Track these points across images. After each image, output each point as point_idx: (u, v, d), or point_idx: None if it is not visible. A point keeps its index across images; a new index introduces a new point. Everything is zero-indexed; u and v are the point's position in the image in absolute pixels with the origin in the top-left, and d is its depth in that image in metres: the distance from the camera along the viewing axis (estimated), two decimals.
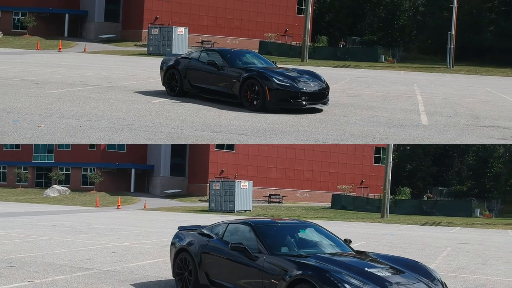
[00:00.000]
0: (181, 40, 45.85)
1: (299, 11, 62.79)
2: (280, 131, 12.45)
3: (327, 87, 14.82)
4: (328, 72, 32.81)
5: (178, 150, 53.03)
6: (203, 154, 50.72)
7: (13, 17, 55.54)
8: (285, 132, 12.47)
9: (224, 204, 39.43)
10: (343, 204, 47.49)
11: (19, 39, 51.32)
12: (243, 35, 60.22)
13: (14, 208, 33.63)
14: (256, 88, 13.58)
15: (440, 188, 57.33)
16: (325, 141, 12.40)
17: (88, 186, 51.95)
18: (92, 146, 51.59)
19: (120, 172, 53.41)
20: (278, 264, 7.40)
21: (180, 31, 45.73)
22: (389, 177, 38.69)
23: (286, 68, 15.14)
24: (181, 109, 14.23)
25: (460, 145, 57.13)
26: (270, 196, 51.05)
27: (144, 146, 52.40)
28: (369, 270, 7.05)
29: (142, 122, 12.58)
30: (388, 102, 17.41)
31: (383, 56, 49.75)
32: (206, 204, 41.95)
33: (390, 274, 7.03)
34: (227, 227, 8.76)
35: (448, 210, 44.39)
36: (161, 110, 14.14)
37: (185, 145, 52.86)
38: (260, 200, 50.18)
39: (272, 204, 49.37)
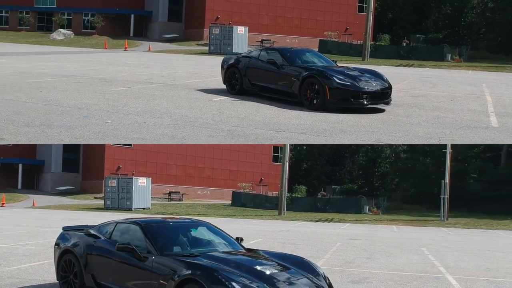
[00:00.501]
0: (241, 39, 46.29)
1: (360, 9, 61.69)
2: (340, 131, 12.27)
3: (390, 87, 14.37)
4: (390, 71, 31.95)
5: (70, 144, 49.14)
6: (98, 149, 47.67)
7: (83, 18, 58.13)
8: (345, 132, 12.24)
9: (121, 201, 37.81)
10: (243, 202, 47.65)
11: (88, 39, 53.56)
12: (302, 34, 59.96)
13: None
14: (316, 87, 13.39)
15: (333, 186, 58.66)
16: (388, 141, 12.13)
17: (89, 31, 53.35)
18: None
19: (6, 167, 49.88)
20: (167, 264, 7.28)
21: (240, 30, 46.17)
22: (286, 175, 39.57)
23: (347, 67, 14.87)
24: (242, 107, 14.27)
25: (352, 145, 59.14)
26: (170, 193, 49.76)
27: None
28: (258, 268, 7.12)
29: (203, 119, 12.73)
30: (454, 103, 16.68)
31: (449, 55, 47.91)
32: (102, 202, 40.03)
33: (277, 271, 7.16)
34: (115, 226, 8.48)
35: (340, 207, 45.56)
36: (222, 108, 14.29)
37: None
38: (160, 198, 48.85)
39: (172, 202, 48.04)
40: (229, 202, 48.75)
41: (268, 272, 7.07)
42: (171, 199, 49.29)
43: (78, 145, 49.94)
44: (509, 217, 41.91)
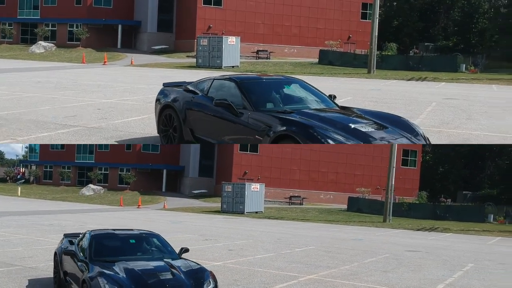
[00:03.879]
0: (233, 51, 40.09)
1: (363, 16, 55.37)
2: None
3: (428, 144, 8.09)
4: (403, 89, 25.82)
5: (164, 3, 50.56)
6: (191, 8, 48.51)
7: (68, 29, 52.37)
8: None
9: (211, 60, 38.68)
10: (330, 60, 45.05)
11: (70, 51, 47.79)
12: (302, 43, 53.67)
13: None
14: None
15: (426, 44, 52.95)
16: None
17: (74, 42, 49.36)
18: None
19: (107, 28, 51.03)
20: (262, 120, 7.28)
21: (231, 41, 39.95)
22: (376, 32, 37.04)
23: (351, 112, 8.11)
24: None
25: (446, 0, 56.29)
26: (257, 52, 48.26)
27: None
28: (353, 125, 6.99)
29: None
30: None
31: (464, 65, 41.58)
32: (194, 60, 40.12)
33: (373, 130, 6.97)
34: (212, 83, 8.66)
35: (434, 65, 41.14)
36: None
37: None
38: (248, 56, 47.34)
39: (259, 60, 46.36)
40: (316, 60, 46.13)
41: (363, 130, 6.86)
42: (259, 58, 47.85)
43: (172, 4, 50.64)
44: None
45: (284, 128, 6.84)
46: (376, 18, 37.94)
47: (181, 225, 20.93)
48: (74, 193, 45.74)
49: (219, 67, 38.84)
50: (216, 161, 46.90)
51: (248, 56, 49.23)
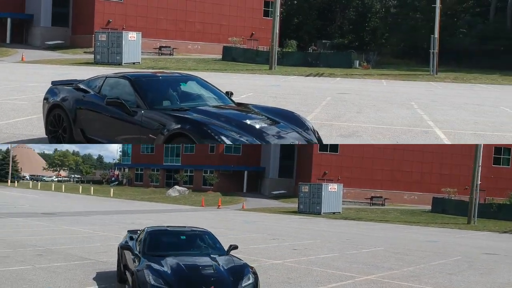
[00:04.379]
0: (133, 47, 38.87)
1: (266, 13, 56.50)
2: None
3: (320, 143, 8.16)
4: (301, 84, 26.74)
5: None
6: (88, 2, 46.86)
7: None
8: None
9: (111, 56, 37.22)
10: (233, 56, 46.01)
11: None
12: (206, 40, 53.52)
13: None
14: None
15: (324, 41, 56.70)
16: None
17: None
18: None
19: None
20: (156, 119, 7.14)
21: (132, 37, 38.73)
22: (277, 30, 38.42)
23: (247, 109, 8.12)
24: None
25: (342, 0, 60.03)
26: (160, 48, 48.05)
27: None
28: (247, 122, 7.06)
29: None
30: (400, 141, 11.40)
31: (357, 62, 44.05)
32: (92, 57, 38.43)
33: (266, 125, 7.11)
34: (104, 81, 8.37)
35: (331, 62, 44.10)
36: None
37: None
38: (150, 52, 46.87)
39: (162, 56, 46.35)
40: (220, 56, 46.14)
41: (257, 126, 6.99)
42: (162, 54, 46.82)
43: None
44: (497, 71, 39.60)
45: (179, 126, 6.68)
46: (277, 16, 38.90)
47: (253, 224, 20.67)
48: (161, 194, 45.84)
49: (119, 64, 37.50)
50: (296, 161, 45.44)
51: (151, 52, 48.09)
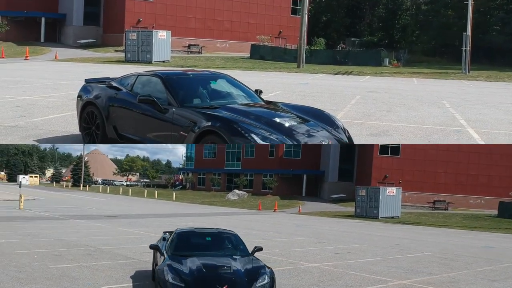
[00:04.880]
0: (163, 45, 39.36)
1: (294, 12, 56.33)
2: None
3: (350, 142, 7.85)
4: (330, 82, 26.57)
5: None
6: (118, 1, 47.71)
7: None
8: None
9: (141, 54, 37.81)
10: (261, 54, 46.07)
11: None
12: (234, 38, 53.76)
13: None
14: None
15: (352, 39, 56.03)
16: None
17: None
18: None
19: (29, 20, 49.05)
20: (187, 116, 7.24)
21: (162, 35, 39.21)
22: (305, 28, 38.39)
23: (276, 107, 8.06)
24: None
25: None
26: (189, 46, 48.75)
27: None
28: (277, 120, 7.15)
29: None
30: (432, 140, 11.23)
31: (387, 60, 43.47)
32: (123, 55, 38.89)
33: (296, 124, 7.19)
34: (136, 79, 8.54)
35: (360, 60, 43.61)
36: None
37: None
38: (179, 51, 47.67)
39: (191, 55, 46.85)
40: (248, 55, 46.37)
41: (287, 124, 7.04)
42: (191, 52, 47.59)
43: None
44: None
45: (209, 123, 6.71)
46: (305, 14, 38.72)
47: (304, 228, 20.40)
48: (221, 198, 46.16)
49: (149, 62, 38.05)
50: (356, 164, 44.60)
51: (180, 51, 48.57)
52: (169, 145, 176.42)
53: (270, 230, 18.78)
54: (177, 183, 63.29)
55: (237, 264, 6.46)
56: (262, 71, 35.38)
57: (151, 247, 7.46)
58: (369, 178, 40.69)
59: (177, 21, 50.14)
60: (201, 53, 48.99)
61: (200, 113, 7.03)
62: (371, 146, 39.26)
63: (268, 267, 6.40)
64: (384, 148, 39.87)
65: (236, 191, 46.55)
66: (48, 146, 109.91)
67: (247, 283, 6.08)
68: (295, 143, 6.88)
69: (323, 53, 46.12)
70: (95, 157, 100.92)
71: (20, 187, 29.76)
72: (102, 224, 18.52)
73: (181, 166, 69.54)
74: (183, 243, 7.13)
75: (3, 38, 47.35)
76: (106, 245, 12.10)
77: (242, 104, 7.62)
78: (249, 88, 8.66)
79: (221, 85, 8.40)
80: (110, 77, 9.62)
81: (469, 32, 35.12)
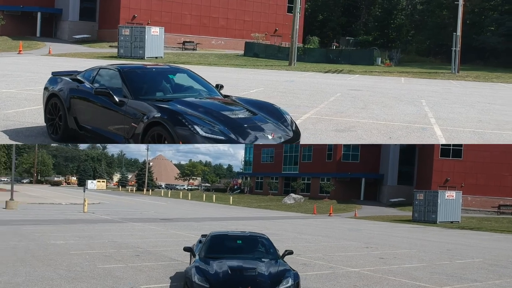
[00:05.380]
0: (156, 41, 39.55)
1: (290, 9, 56.40)
2: None
3: (296, 136, 7.76)
4: (316, 80, 26.80)
5: None
6: None
7: None
8: None
9: (134, 50, 38.19)
10: (255, 52, 46.13)
11: None
12: (229, 35, 53.95)
13: None
14: (166, 141, 7.38)
15: (347, 38, 56.05)
16: None
17: None
18: None
19: (26, 15, 49.12)
20: (139, 108, 7.32)
21: (155, 31, 39.41)
22: (297, 26, 38.36)
23: (229, 101, 8.24)
24: None
25: None
26: (184, 43, 48.83)
27: None
28: (225, 113, 7.25)
29: None
30: (392, 141, 11.39)
31: (379, 59, 43.67)
32: (116, 50, 39.33)
33: (243, 117, 7.30)
34: (98, 72, 8.71)
35: (353, 59, 43.69)
36: None
37: None
38: (174, 47, 47.79)
39: (186, 51, 46.93)
40: (242, 52, 46.35)
41: (233, 117, 7.21)
42: (185, 49, 47.81)
43: None
44: None
45: (159, 115, 6.84)
46: (297, 12, 38.89)
47: (356, 232, 20.13)
48: (277, 201, 46.17)
49: (141, 58, 38.24)
50: (417, 168, 43.20)
51: (174, 47, 48.79)
52: (231, 150, 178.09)
53: (320, 234, 18.75)
54: (235, 187, 63.63)
55: (263, 267, 6.60)
56: (253, 68, 35.56)
57: (185, 249, 7.68)
58: (430, 181, 39.28)
59: (172, 17, 50.35)
60: (196, 50, 49.20)
61: (151, 105, 7.19)
62: (431, 148, 38.50)
63: (294, 271, 6.60)
64: (445, 151, 38.49)
65: (293, 195, 46.33)
66: (116, 152, 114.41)
67: (270, 286, 6.25)
68: (238, 136, 6.93)
69: (316, 52, 46.31)
70: (160, 162, 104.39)
71: (84, 191, 30.74)
72: (156, 227, 18.84)
73: (240, 171, 70.13)
74: (215, 246, 7.37)
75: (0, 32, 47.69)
76: (154, 247, 12.40)
77: (197, 98, 7.79)
78: (209, 83, 8.86)
79: (180, 79, 8.63)
80: (78, 70, 9.83)
81: (459, 32, 35.29)
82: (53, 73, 9.82)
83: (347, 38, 54.59)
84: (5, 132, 9.79)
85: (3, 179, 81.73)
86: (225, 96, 8.45)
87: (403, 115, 14.40)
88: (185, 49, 48.82)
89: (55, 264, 9.42)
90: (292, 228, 21.13)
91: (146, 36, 38.47)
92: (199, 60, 39.91)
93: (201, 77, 9.04)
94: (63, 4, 50.59)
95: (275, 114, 7.64)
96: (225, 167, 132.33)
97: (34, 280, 7.85)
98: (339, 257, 12.12)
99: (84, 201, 25.69)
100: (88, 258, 10.20)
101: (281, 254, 7.42)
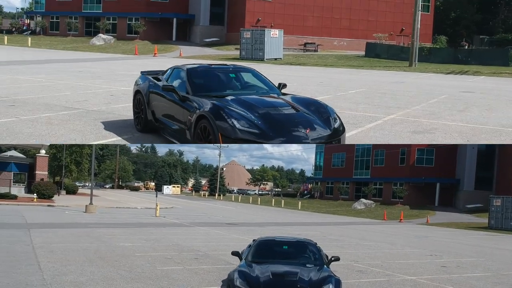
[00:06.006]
0: (275, 43, 40.90)
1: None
2: None
3: (336, 133, 7.76)
4: (430, 82, 25.56)
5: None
6: (240, 2, 50.15)
7: (127, 22, 55.54)
8: None
9: (254, 52, 39.93)
10: (377, 52, 44.30)
11: (127, 43, 50.68)
12: (352, 36, 53.39)
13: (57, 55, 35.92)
14: (209, 135, 7.49)
15: (481, 37, 50.17)
16: None
17: (132, 35, 52.59)
18: None
19: (163, 21, 53.05)
20: (196, 102, 7.92)
21: (274, 34, 40.77)
22: (418, 25, 36.60)
23: (280, 99, 8.41)
24: None
25: None
26: (305, 44, 48.77)
27: None
28: (268, 109, 7.62)
29: None
30: (471, 140, 10.78)
31: None
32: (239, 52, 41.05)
33: (286, 113, 7.65)
34: (172, 71, 9.65)
35: (484, 59, 39.58)
36: None
37: None
38: (296, 49, 48.25)
39: (306, 53, 46.85)
40: (364, 53, 46.15)
41: (274, 113, 7.55)
42: (307, 50, 49.45)
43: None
44: None
45: (207, 109, 7.39)
46: (418, 10, 37.23)
47: (423, 240, 19.60)
48: (347, 207, 45.80)
49: (261, 59, 39.88)
50: (496, 172, 42.06)
51: (296, 49, 49.82)
52: (304, 154, 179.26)
53: (384, 240, 18.53)
54: (305, 192, 63.49)
55: (305, 273, 6.67)
56: (369, 69, 34.95)
57: (233, 253, 7.88)
58: (510, 186, 37.42)
59: (294, 19, 51.44)
60: (317, 51, 49.65)
61: (205, 100, 7.80)
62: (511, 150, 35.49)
63: (336, 277, 6.70)
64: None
65: (363, 200, 45.42)
66: (191, 158, 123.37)
67: None
68: (274, 130, 7.19)
69: (444, 52, 43.73)
70: (233, 167, 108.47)
71: (156, 196, 32.73)
72: (220, 231, 19.30)
73: (311, 175, 70.19)
74: (261, 250, 7.51)
75: (141, 37, 53.19)
76: (214, 251, 12.77)
77: (252, 96, 8.18)
78: (270, 82, 9.26)
79: (242, 78, 9.17)
80: (163, 70, 10.94)
81: None
82: (142, 72, 10.99)
83: (481, 37, 50.55)
84: (103, 122, 11.34)
85: (87, 185, 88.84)
86: (284, 94, 8.78)
87: (502, 119, 13.32)
88: (307, 50, 49.55)
89: (118, 265, 9.91)
90: (356, 234, 20.58)
91: (265, 39, 40.02)
92: (317, 61, 40.31)
93: (265, 76, 9.55)
94: (195, 10, 54.67)
95: (319, 111, 7.82)
96: (298, 172, 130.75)
97: (96, 280, 8.40)
98: (398, 264, 11.73)
99: (156, 205, 26.48)
100: (150, 260, 10.61)
101: (328, 260, 7.46)
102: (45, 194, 31.38)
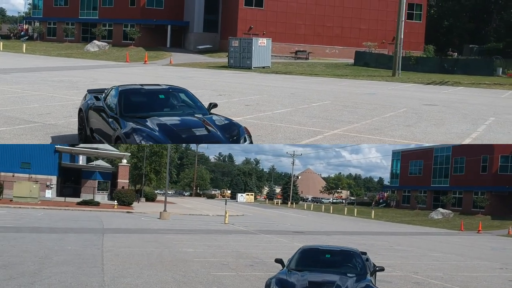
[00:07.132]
0: (263, 52, 41.59)
1: (410, 16, 54.50)
2: None
3: (228, 140, 8.62)
4: (402, 93, 26.05)
5: (211, 5, 54.06)
6: (233, 10, 50.80)
7: (123, 29, 56.54)
8: None
9: (242, 60, 40.61)
10: (366, 61, 44.72)
11: (122, 50, 51.57)
12: (343, 44, 54.02)
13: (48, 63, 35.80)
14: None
15: (471, 46, 50.09)
16: None
17: (128, 42, 53.18)
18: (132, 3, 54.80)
19: (158, 28, 54.12)
20: (120, 123, 8.13)
21: (262, 43, 41.48)
22: (401, 35, 37.14)
23: (202, 120, 8.91)
24: None
25: (499, 0, 52.98)
26: (296, 52, 49.21)
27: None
28: (181, 128, 7.76)
29: None
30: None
31: (500, 69, 40.23)
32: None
33: (197, 134, 7.70)
34: (109, 91, 9.85)
35: (470, 69, 39.96)
36: None
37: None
38: (287, 56, 48.78)
39: (296, 61, 47.39)
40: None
41: (184, 136, 7.69)
42: (298, 58, 50.10)
43: (218, 4, 54.44)
44: None
45: (124, 130, 8.01)
46: (402, 21, 37.83)
47: (498, 252, 19.45)
48: (424, 216, 44.62)
49: (248, 68, 40.58)
50: (221, 15, 46.11)
51: (287, 56, 50.50)
52: (384, 162, 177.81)
53: (454, 252, 18.15)
54: (381, 200, 62.24)
55: (343, 282, 6.60)
56: (352, 79, 35.45)
57: (276, 260, 7.93)
58: (234, 29, 43.36)
59: (286, 27, 52.15)
60: (308, 59, 50.29)
61: (128, 121, 8.47)
62: None
63: (242, 125, 6.92)
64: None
65: (441, 209, 44.05)
66: (267, 167, 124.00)
67: None
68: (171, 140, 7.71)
69: (431, 61, 44.27)
70: (308, 175, 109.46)
71: (225, 204, 33.29)
72: (284, 239, 19.14)
73: (23, 15, 67.49)
74: (304, 258, 7.57)
75: (136, 43, 54.14)
76: (271, 258, 12.36)
77: (173, 116, 8.72)
78: (200, 102, 9.81)
79: (170, 99, 9.72)
80: (109, 87, 11.60)
81: None
82: (88, 91, 11.77)
83: (470, 46, 50.99)
84: (53, 137, 12.02)
85: (169, 192, 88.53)
86: (210, 114, 9.38)
87: (438, 135, 13.90)
88: (298, 58, 50.20)
89: (175, 269, 10.27)
90: (426, 245, 20.28)
91: (253, 47, 40.73)
92: (305, 70, 40.88)
93: (195, 97, 10.14)
94: (190, 17, 55.57)
95: (230, 132, 8.38)
96: (376, 180, 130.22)
97: (151, 283, 8.73)
98: (461, 277, 11.52)
99: (225, 213, 27.13)
100: (207, 266, 10.89)
101: (376, 270, 7.56)
102: (125, 201, 32.96)
